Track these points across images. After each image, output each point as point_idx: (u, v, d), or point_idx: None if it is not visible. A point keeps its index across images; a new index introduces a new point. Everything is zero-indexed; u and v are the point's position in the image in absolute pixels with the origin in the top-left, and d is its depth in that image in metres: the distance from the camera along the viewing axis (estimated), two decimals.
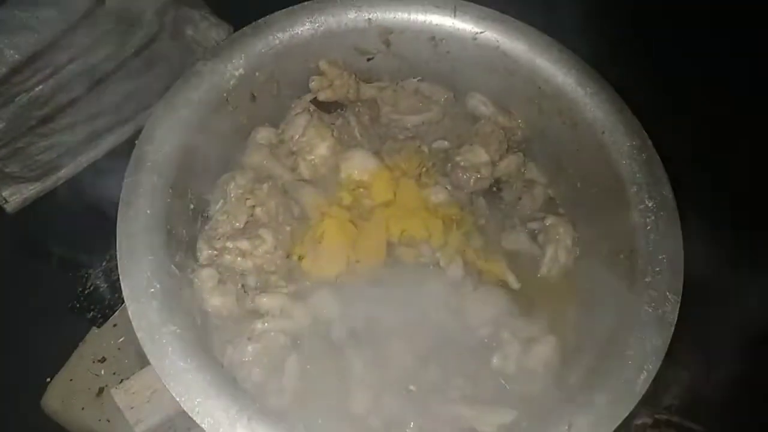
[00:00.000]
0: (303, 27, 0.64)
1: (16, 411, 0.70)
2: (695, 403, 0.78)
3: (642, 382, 0.50)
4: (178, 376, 0.46)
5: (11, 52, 0.94)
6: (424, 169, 0.67)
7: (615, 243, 0.60)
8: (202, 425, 0.46)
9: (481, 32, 0.66)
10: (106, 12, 1.03)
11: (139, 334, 0.48)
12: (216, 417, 0.46)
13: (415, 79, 0.70)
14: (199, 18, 1.05)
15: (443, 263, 0.62)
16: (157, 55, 1.03)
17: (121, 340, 0.70)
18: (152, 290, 0.50)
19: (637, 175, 0.59)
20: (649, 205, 0.58)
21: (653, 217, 0.57)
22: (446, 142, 0.69)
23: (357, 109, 0.69)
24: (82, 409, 0.67)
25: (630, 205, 0.59)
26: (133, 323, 0.48)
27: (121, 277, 0.50)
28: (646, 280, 0.54)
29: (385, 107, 0.69)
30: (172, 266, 0.53)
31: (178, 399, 0.46)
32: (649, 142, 0.61)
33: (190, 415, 0.46)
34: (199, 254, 0.58)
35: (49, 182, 0.85)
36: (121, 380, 0.66)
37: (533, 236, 0.67)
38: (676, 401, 0.79)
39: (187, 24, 1.06)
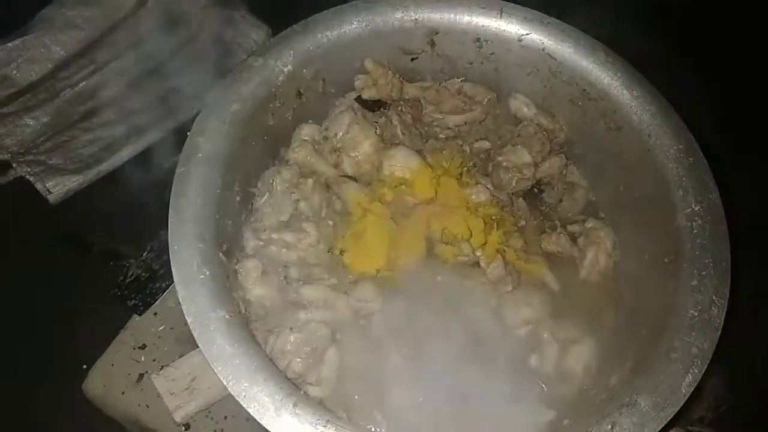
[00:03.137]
0: (351, 26, 0.65)
1: (59, 394, 0.72)
2: (728, 416, 0.77)
3: (687, 385, 0.49)
4: (227, 361, 0.47)
5: (57, 48, 0.98)
6: (465, 169, 0.68)
7: (659, 247, 0.60)
8: (249, 409, 0.46)
9: (526, 34, 0.66)
10: (149, 12, 1.06)
11: (189, 319, 0.49)
12: (262, 402, 0.46)
13: (459, 80, 0.70)
14: (238, 19, 1.07)
15: (483, 262, 0.62)
16: (197, 54, 1.05)
17: (161, 328, 0.72)
18: (202, 277, 0.51)
19: (684, 179, 0.59)
20: (696, 209, 0.57)
21: (700, 221, 0.57)
22: (488, 143, 0.69)
23: (400, 108, 0.70)
24: (123, 393, 0.68)
25: (676, 209, 0.58)
26: (183, 308, 0.49)
27: (172, 264, 0.51)
28: (693, 283, 0.54)
29: (428, 107, 0.70)
30: (221, 254, 0.54)
31: (225, 383, 0.47)
32: (696, 146, 0.60)
33: (237, 399, 0.47)
34: (245, 245, 0.59)
35: (90, 175, 0.88)
36: (162, 367, 0.68)
37: (573, 239, 0.67)
38: (709, 414, 0.78)
39: (226, 25, 1.08)
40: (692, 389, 0.49)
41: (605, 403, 0.51)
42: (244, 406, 0.46)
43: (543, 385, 0.59)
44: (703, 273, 0.54)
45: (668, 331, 0.53)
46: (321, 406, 0.48)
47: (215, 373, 0.47)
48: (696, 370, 0.50)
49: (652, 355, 0.52)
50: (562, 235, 0.66)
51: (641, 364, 0.53)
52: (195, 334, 0.48)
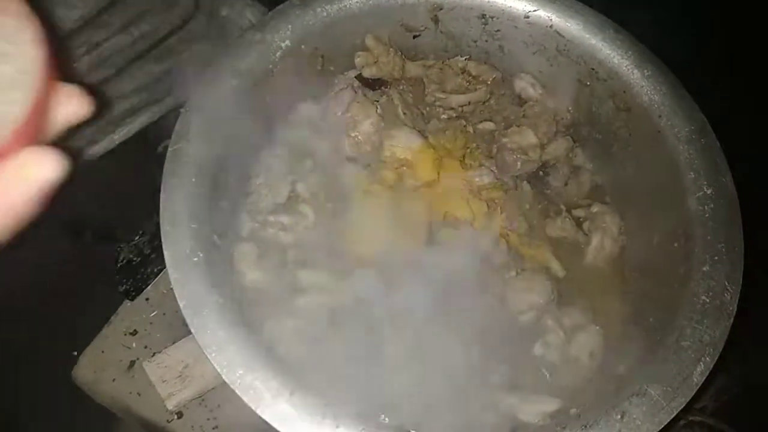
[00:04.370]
0: (351, 1, 0.63)
1: (48, 381, 0.70)
2: (731, 405, 0.76)
3: (699, 374, 0.48)
4: (221, 347, 0.45)
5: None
6: (468, 151, 0.65)
7: (668, 231, 0.58)
8: (244, 398, 0.44)
9: (534, 10, 0.64)
10: None
11: (181, 303, 0.47)
12: (258, 391, 0.44)
13: (463, 58, 0.68)
14: None
15: (487, 247, 0.60)
16: (193, 34, 1.02)
17: (153, 314, 0.70)
18: (195, 259, 0.48)
19: (696, 162, 0.57)
20: (708, 192, 0.55)
21: (712, 205, 0.55)
22: (492, 124, 0.67)
23: (401, 87, 0.68)
24: (113, 381, 0.66)
25: (687, 192, 0.56)
26: (175, 292, 0.47)
27: (164, 245, 0.49)
28: (704, 269, 0.52)
29: (431, 86, 0.67)
30: (215, 237, 0.51)
31: (219, 370, 0.45)
32: (708, 127, 0.58)
33: (231, 387, 0.45)
34: (240, 227, 0.57)
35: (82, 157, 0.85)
36: (153, 354, 0.66)
37: (578, 224, 0.65)
38: (711, 403, 0.77)
39: (222, 4, 1.05)
40: (704, 378, 0.48)
41: (614, 392, 0.49)
42: (239, 394, 0.44)
43: (547, 373, 0.58)
44: (716, 258, 0.52)
45: (678, 318, 0.51)
46: (319, 395, 0.46)
47: (209, 359, 0.45)
48: (708, 359, 0.48)
49: (662, 343, 0.50)
50: (567, 219, 0.64)
51: (650, 353, 0.51)
52: (188, 319, 0.46)
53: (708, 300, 0.51)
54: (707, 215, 0.54)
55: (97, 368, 0.67)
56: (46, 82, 0.29)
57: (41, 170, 0.27)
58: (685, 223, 0.56)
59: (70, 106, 0.32)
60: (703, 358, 0.48)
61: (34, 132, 0.29)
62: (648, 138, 0.61)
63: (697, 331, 0.49)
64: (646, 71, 0.61)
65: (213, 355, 0.45)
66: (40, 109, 0.28)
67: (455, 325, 0.58)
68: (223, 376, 0.45)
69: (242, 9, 1.04)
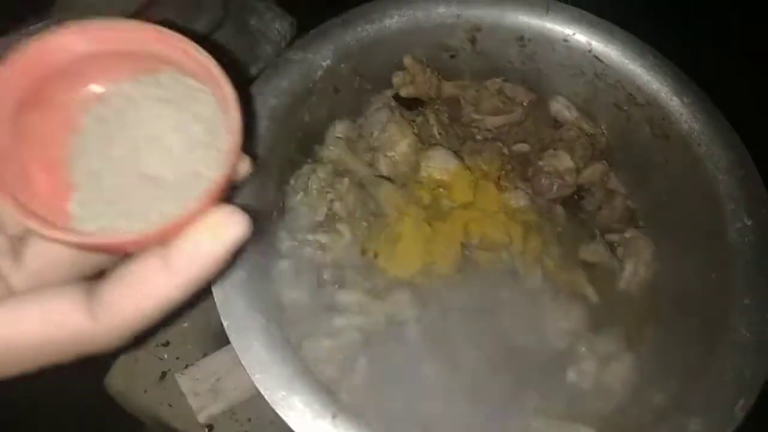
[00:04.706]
0: (392, 20, 0.63)
1: (80, 389, 0.70)
2: None
3: (740, 408, 0.48)
4: (264, 368, 0.46)
5: None
6: (503, 173, 0.65)
7: (704, 261, 0.58)
8: (286, 419, 0.45)
9: (572, 34, 0.64)
10: None
11: (225, 323, 0.47)
12: (300, 411, 0.45)
13: (499, 79, 0.68)
14: (263, 9, 1.05)
15: (522, 271, 0.60)
16: (221, 43, 1.03)
17: (185, 325, 0.70)
18: (239, 279, 0.49)
19: (735, 192, 0.57)
20: (748, 224, 0.55)
21: (753, 237, 0.54)
22: (527, 146, 0.67)
23: (437, 107, 0.68)
24: (145, 392, 0.66)
25: (726, 223, 0.56)
26: (219, 311, 0.48)
27: None
28: (745, 302, 0.52)
29: (467, 107, 0.68)
30: (257, 255, 0.52)
31: (262, 391, 0.45)
32: (749, 158, 0.58)
33: (273, 407, 0.45)
34: (279, 245, 0.57)
35: None
36: (186, 366, 0.66)
37: (612, 248, 0.65)
38: None
39: (251, 14, 1.06)
40: (745, 413, 0.48)
41: (651, 423, 0.49)
42: (282, 415, 0.45)
43: (581, 401, 0.57)
44: (757, 292, 0.52)
45: (718, 350, 0.51)
46: (360, 418, 0.46)
47: (254, 381, 0.45)
48: (750, 394, 0.48)
49: (701, 376, 0.50)
50: (601, 244, 0.64)
51: (689, 385, 0.51)
52: (231, 339, 0.47)
53: (749, 334, 0.50)
54: (747, 247, 0.54)
55: (129, 378, 0.67)
56: (239, 144, 0.28)
57: (232, 230, 0.27)
58: (723, 254, 0.55)
59: (243, 164, 0.32)
60: (744, 393, 0.48)
61: (225, 192, 0.28)
62: (686, 166, 0.61)
63: (738, 365, 0.49)
64: (685, 99, 0.61)
65: (257, 376, 0.45)
66: (232, 170, 0.28)
67: (489, 349, 0.58)
68: (266, 397, 0.45)
69: (271, 19, 1.05)
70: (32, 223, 0.27)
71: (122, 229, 0.29)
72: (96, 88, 0.32)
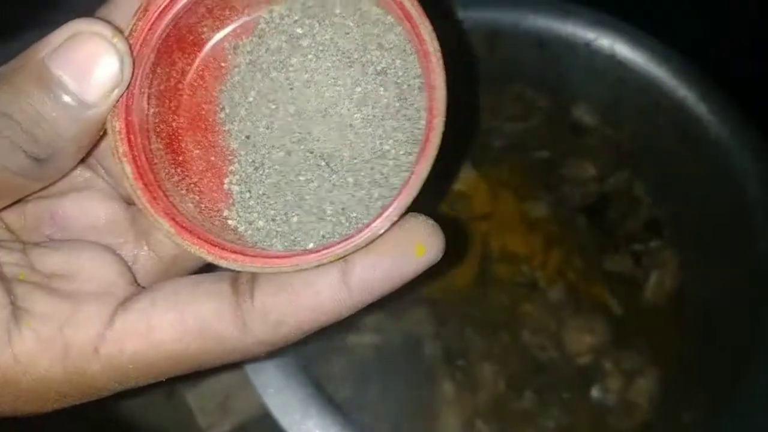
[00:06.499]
0: None
1: (86, 405, 0.69)
2: None
3: None
4: (277, 392, 0.44)
5: None
6: (523, 181, 0.63)
7: (734, 273, 0.55)
8: None
9: (594, 39, 0.62)
10: None
11: None
12: None
13: (518, 85, 0.66)
14: None
15: (543, 284, 0.58)
16: None
17: None
18: None
19: (765, 201, 0.54)
20: None
21: None
22: (547, 152, 0.65)
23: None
24: (154, 407, 0.65)
25: (756, 233, 0.54)
26: None
27: None
28: None
29: (485, 113, 0.65)
30: None
31: (276, 416, 0.44)
32: None
33: (287, 429, 0.43)
34: None
35: None
36: (195, 383, 0.65)
37: (637, 259, 0.62)
38: None
39: None
40: None
41: None
42: None
43: (606, 419, 0.55)
44: None
45: (751, 368, 0.49)
46: None
47: (266, 403, 0.44)
48: None
49: (733, 395, 0.48)
50: (625, 254, 0.62)
51: (719, 403, 0.49)
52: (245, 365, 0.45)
53: None
54: None
55: (138, 393, 0.66)
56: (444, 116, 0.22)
57: (431, 251, 0.21)
58: (753, 265, 0.53)
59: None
60: None
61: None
62: (713, 174, 0.58)
63: None
64: (714, 106, 0.58)
65: (270, 399, 0.44)
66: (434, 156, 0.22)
67: (510, 365, 0.57)
68: (280, 421, 0.44)
69: None
70: (205, 255, 0.22)
71: (297, 227, 0.23)
72: (246, 19, 0.25)
